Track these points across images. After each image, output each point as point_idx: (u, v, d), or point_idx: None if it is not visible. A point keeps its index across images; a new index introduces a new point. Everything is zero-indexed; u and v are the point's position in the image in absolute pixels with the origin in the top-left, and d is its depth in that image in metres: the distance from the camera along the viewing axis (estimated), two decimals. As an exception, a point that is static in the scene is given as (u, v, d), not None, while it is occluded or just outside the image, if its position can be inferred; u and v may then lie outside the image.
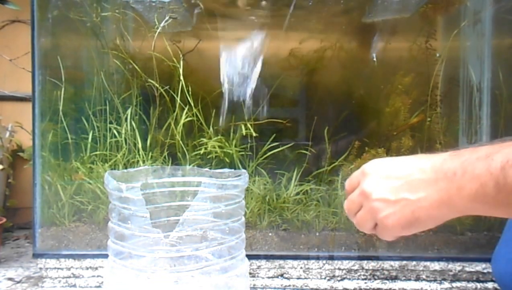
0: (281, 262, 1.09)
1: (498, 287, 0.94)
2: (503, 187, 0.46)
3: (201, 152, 1.17)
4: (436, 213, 0.52)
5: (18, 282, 1.12)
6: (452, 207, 0.51)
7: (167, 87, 1.17)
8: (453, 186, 0.50)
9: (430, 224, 0.54)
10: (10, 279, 1.14)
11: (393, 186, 0.54)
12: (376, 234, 0.58)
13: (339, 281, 1.09)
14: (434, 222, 0.53)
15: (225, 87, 1.18)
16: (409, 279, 1.10)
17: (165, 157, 1.17)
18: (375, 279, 1.09)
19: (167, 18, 1.17)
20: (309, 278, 1.09)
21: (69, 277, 1.09)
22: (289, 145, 1.21)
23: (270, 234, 1.12)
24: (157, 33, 1.16)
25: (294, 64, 1.27)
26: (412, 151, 1.20)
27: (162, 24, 1.15)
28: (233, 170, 0.81)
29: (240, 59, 1.22)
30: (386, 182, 0.55)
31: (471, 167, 0.49)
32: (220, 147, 1.17)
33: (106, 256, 0.75)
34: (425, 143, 1.22)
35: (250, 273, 1.08)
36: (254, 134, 1.17)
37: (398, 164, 0.56)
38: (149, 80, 1.17)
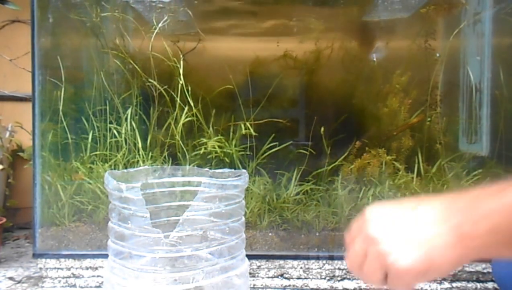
0: (281, 262, 1.09)
1: (498, 287, 0.94)
2: None
3: (201, 151, 1.17)
4: (451, 253, 0.47)
5: (18, 282, 1.12)
6: (468, 245, 0.46)
7: (165, 87, 1.17)
8: (466, 224, 0.46)
9: (445, 267, 0.47)
10: (10, 278, 1.14)
11: (401, 226, 0.49)
12: (388, 288, 0.51)
13: (339, 281, 1.09)
14: (449, 264, 0.47)
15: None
16: (409, 279, 1.10)
17: (165, 157, 1.17)
18: (375, 279, 1.09)
19: (165, 18, 1.17)
20: (309, 278, 1.09)
21: (69, 277, 1.09)
22: (288, 143, 1.21)
23: (270, 234, 1.12)
24: (154, 33, 1.16)
25: (294, 64, 1.27)
26: (412, 151, 1.20)
27: (160, 24, 1.15)
28: (233, 170, 0.81)
29: (239, 59, 1.22)
30: (393, 223, 0.50)
31: (483, 204, 0.46)
32: (220, 146, 1.17)
33: (106, 256, 0.75)
34: (425, 143, 1.22)
35: (250, 273, 1.08)
36: (253, 133, 1.17)
37: (403, 204, 0.51)
38: (149, 80, 1.17)
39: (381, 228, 0.50)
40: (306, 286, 1.08)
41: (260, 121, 1.21)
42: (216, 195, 0.72)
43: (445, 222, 0.47)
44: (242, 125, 1.19)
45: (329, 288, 1.08)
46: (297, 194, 1.17)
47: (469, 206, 0.47)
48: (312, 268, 1.09)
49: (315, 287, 1.08)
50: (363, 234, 0.52)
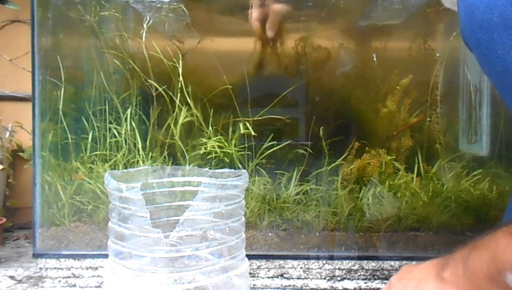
0: (281, 262, 1.09)
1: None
2: (467, 271, 0.53)
3: (201, 151, 1.17)
4: None
5: (18, 282, 1.12)
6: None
7: (164, 86, 1.17)
8: (440, 271, 0.57)
9: None
10: (11, 277, 1.14)
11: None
12: None
13: (339, 281, 1.09)
14: None
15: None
16: (409, 279, 1.10)
17: (165, 157, 1.17)
18: (375, 279, 1.09)
19: (165, 18, 1.17)
20: (309, 278, 1.09)
21: (69, 277, 1.09)
22: (287, 142, 1.21)
23: (270, 234, 1.12)
24: (143, 32, 1.16)
25: (294, 64, 1.27)
26: (412, 151, 1.20)
27: (153, 23, 1.15)
28: (233, 169, 0.81)
29: (238, 58, 1.22)
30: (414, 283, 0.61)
31: (457, 253, 0.57)
32: (219, 146, 1.17)
33: (106, 256, 0.75)
34: (425, 143, 1.22)
35: (250, 273, 1.08)
36: (252, 133, 1.17)
37: (426, 275, 0.62)
38: (148, 80, 1.17)
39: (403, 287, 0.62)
40: (306, 286, 1.08)
41: (260, 118, 1.20)
42: (216, 195, 0.72)
43: (431, 273, 0.60)
44: (241, 125, 1.19)
45: (329, 288, 1.08)
46: (297, 194, 1.17)
47: (448, 259, 0.60)
48: (312, 268, 1.09)
49: (315, 287, 1.08)
50: None
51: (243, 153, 1.19)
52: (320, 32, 1.27)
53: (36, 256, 1.09)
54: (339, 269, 1.09)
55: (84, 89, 1.23)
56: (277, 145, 1.20)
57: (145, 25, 1.16)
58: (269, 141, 1.20)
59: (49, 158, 1.17)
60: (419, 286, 0.59)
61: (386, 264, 1.08)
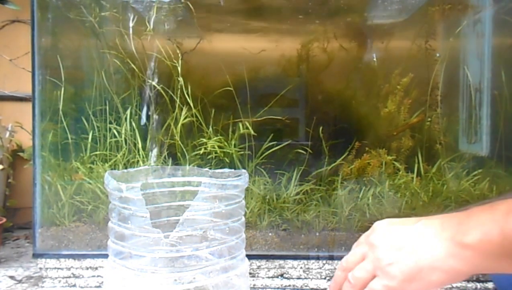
0: (281, 262, 1.09)
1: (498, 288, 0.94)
2: (508, 234, 0.46)
3: (201, 151, 1.17)
4: (442, 264, 0.50)
5: (18, 282, 1.12)
6: (457, 257, 0.49)
7: (161, 86, 1.17)
8: (458, 234, 0.49)
9: (435, 277, 0.51)
10: (11, 277, 1.14)
11: (400, 238, 0.54)
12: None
13: (339, 281, 1.09)
14: (440, 275, 0.50)
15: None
16: (409, 279, 1.10)
17: (165, 157, 1.17)
18: (375, 279, 1.09)
19: (164, 18, 1.17)
20: (309, 278, 1.09)
21: (69, 277, 1.09)
22: (287, 143, 1.21)
23: (270, 234, 1.12)
24: (152, 33, 1.16)
25: (294, 64, 1.27)
26: (412, 151, 1.20)
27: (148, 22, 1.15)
28: (233, 169, 0.81)
29: (239, 59, 1.22)
30: (393, 234, 0.55)
31: (475, 216, 0.49)
32: (219, 146, 1.17)
33: (106, 256, 0.75)
34: (425, 143, 1.22)
35: (250, 273, 1.08)
36: (252, 132, 1.17)
37: (408, 219, 0.57)
38: (148, 80, 1.17)
39: (382, 237, 0.56)
40: (306, 286, 1.08)
41: (260, 119, 1.20)
42: (216, 195, 0.72)
43: (438, 235, 0.51)
44: (241, 125, 1.19)
45: (329, 288, 1.08)
46: (297, 194, 1.17)
47: (462, 220, 0.50)
48: (312, 268, 1.09)
49: (315, 287, 1.08)
50: (367, 240, 0.58)
51: (243, 153, 1.19)
52: (320, 33, 1.27)
53: (36, 256, 1.09)
54: (339, 269, 1.09)
55: (84, 89, 1.23)
56: (277, 145, 1.20)
57: (155, 23, 1.16)
58: (269, 141, 1.20)
59: (49, 158, 1.17)
60: (419, 250, 0.51)
61: (386, 264, 1.08)
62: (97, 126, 1.19)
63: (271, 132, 1.21)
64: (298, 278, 1.09)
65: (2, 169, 1.47)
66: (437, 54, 1.22)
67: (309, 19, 1.27)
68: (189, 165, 1.15)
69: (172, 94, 1.16)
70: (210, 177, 0.82)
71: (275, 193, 1.17)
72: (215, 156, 1.17)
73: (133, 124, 1.18)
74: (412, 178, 1.17)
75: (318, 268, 1.09)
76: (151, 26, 1.16)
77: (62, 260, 1.09)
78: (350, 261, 0.59)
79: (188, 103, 1.16)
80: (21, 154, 1.54)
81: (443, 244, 0.50)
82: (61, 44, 1.25)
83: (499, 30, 1.26)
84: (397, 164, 1.19)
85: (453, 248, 0.49)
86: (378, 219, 0.60)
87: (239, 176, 0.76)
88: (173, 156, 1.18)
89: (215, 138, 1.18)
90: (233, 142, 1.19)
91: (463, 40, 1.27)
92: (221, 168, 0.99)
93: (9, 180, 1.54)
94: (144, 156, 1.16)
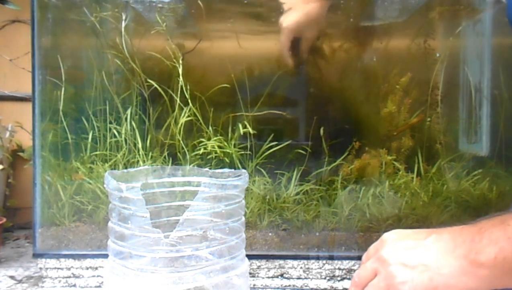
0: (281, 262, 1.09)
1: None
2: None
3: (201, 152, 1.17)
4: (456, 282, 0.50)
5: (18, 282, 1.12)
6: (472, 275, 0.49)
7: (157, 85, 1.17)
8: (472, 252, 0.49)
9: None
10: (11, 277, 1.14)
11: (412, 253, 0.53)
12: None
13: (339, 281, 1.09)
14: None
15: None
16: (409, 279, 1.10)
17: (165, 157, 1.17)
18: (375, 279, 1.09)
19: (163, 17, 1.17)
20: (309, 278, 1.09)
21: (69, 277, 1.09)
22: (287, 143, 1.20)
23: (270, 234, 1.12)
24: (153, 33, 1.16)
25: (294, 64, 1.27)
26: (412, 151, 1.20)
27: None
28: (233, 169, 0.81)
29: (238, 59, 1.22)
30: (405, 248, 0.54)
31: (488, 232, 0.49)
32: (219, 146, 1.17)
33: (106, 256, 0.75)
34: (425, 143, 1.22)
35: (250, 273, 1.08)
36: (252, 131, 1.17)
37: (418, 232, 0.56)
38: (148, 80, 1.17)
39: (394, 251, 0.55)
40: (306, 286, 1.08)
41: (259, 113, 1.20)
42: (216, 195, 0.72)
43: (452, 252, 0.51)
44: (240, 125, 1.19)
45: (329, 288, 1.08)
46: (297, 194, 1.17)
47: (474, 236, 0.50)
48: (312, 268, 1.09)
49: (315, 287, 1.08)
50: (378, 255, 0.56)
51: (243, 152, 1.19)
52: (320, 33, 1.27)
53: (36, 256, 1.09)
54: (339, 269, 1.09)
55: (84, 89, 1.23)
56: (277, 145, 1.20)
57: (155, 24, 1.16)
58: (269, 142, 1.20)
59: (49, 158, 1.17)
60: (432, 269, 0.51)
61: (386, 264, 1.08)
62: (97, 126, 1.19)
63: (271, 132, 1.21)
64: (298, 278, 1.09)
65: (2, 169, 1.47)
66: (437, 54, 1.22)
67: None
68: (189, 164, 1.15)
69: (172, 94, 1.16)
70: (210, 177, 0.82)
71: (275, 193, 1.16)
72: (215, 156, 1.17)
73: (133, 124, 1.18)
74: (412, 177, 1.17)
75: (318, 268, 1.09)
76: (151, 26, 1.16)
77: (62, 260, 1.09)
78: (362, 276, 0.58)
79: (188, 103, 1.16)
80: (21, 154, 1.54)
81: (457, 262, 0.50)
82: (61, 44, 1.25)
83: (499, 30, 1.26)
84: (397, 164, 1.19)
85: (467, 266, 0.49)
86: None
87: (239, 176, 0.76)
88: (173, 156, 1.18)
89: (215, 138, 1.18)
90: (233, 142, 1.19)
91: (463, 40, 1.27)
92: (221, 168, 0.99)
93: (9, 180, 1.54)
94: (144, 155, 1.16)
